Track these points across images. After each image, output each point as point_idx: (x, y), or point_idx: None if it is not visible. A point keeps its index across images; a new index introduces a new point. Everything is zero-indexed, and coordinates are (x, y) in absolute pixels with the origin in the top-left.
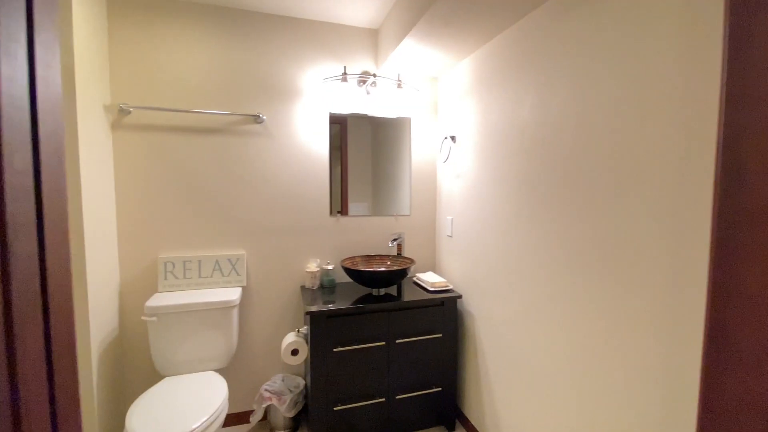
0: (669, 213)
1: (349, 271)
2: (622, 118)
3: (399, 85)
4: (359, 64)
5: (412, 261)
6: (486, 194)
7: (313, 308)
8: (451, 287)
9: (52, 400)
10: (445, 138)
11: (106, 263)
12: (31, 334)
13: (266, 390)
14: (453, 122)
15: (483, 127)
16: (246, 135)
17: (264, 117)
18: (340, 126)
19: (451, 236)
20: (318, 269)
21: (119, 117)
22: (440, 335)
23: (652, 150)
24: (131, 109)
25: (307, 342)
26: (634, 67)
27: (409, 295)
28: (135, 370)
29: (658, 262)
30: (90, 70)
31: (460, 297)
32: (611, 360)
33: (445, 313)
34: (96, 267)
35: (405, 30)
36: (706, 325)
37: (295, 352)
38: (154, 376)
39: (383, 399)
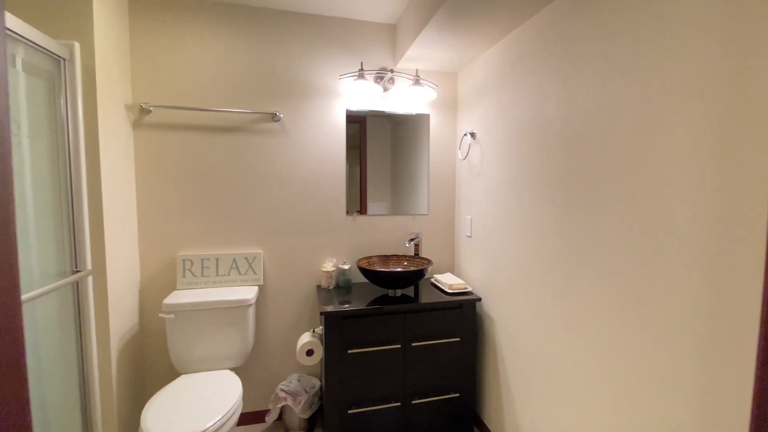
0: (708, 214)
1: (365, 272)
2: (658, 111)
3: (417, 81)
4: (376, 60)
5: (429, 262)
6: (507, 193)
7: (328, 309)
8: (470, 289)
9: None
10: (465, 134)
11: (127, 260)
12: None
13: (282, 390)
14: (473, 118)
15: (504, 122)
16: (263, 133)
17: (281, 115)
18: (359, 125)
19: (470, 236)
20: (334, 269)
21: (140, 116)
22: (458, 339)
23: (689, 146)
24: (151, 108)
25: (322, 342)
26: (668, 51)
27: (427, 297)
28: (155, 367)
29: (693, 267)
30: (111, 70)
31: (479, 300)
32: (639, 368)
33: (463, 316)
34: (117, 264)
35: (423, 22)
36: (760, 341)
37: (310, 353)
38: (172, 373)
39: (399, 403)
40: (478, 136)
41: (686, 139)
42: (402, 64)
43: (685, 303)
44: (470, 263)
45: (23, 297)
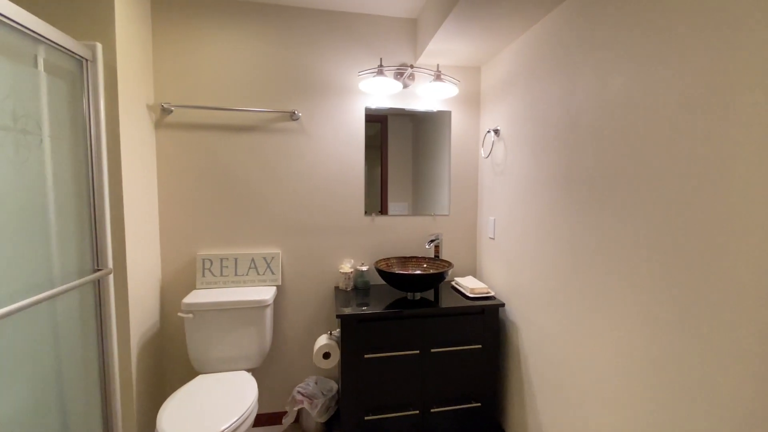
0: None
1: (383, 274)
2: (703, 102)
3: (438, 77)
4: (396, 56)
5: (449, 264)
6: (533, 192)
7: (345, 311)
8: (492, 294)
9: None
10: (488, 132)
11: (149, 259)
12: None
13: (299, 392)
14: (497, 114)
15: (531, 118)
16: (282, 132)
17: (300, 114)
18: (380, 124)
19: (493, 238)
20: (352, 270)
21: (162, 116)
22: (480, 346)
23: (736, 142)
24: (173, 108)
25: (339, 346)
26: (727, 37)
27: (447, 301)
28: (175, 365)
29: (747, 279)
30: (133, 71)
31: (502, 305)
32: (679, 381)
33: (485, 321)
34: (138, 263)
35: (444, 13)
36: None
37: (327, 356)
38: (191, 372)
39: (417, 411)
40: (502, 132)
41: (736, 139)
42: (423, 60)
43: (739, 318)
44: (493, 266)
45: (44, 294)
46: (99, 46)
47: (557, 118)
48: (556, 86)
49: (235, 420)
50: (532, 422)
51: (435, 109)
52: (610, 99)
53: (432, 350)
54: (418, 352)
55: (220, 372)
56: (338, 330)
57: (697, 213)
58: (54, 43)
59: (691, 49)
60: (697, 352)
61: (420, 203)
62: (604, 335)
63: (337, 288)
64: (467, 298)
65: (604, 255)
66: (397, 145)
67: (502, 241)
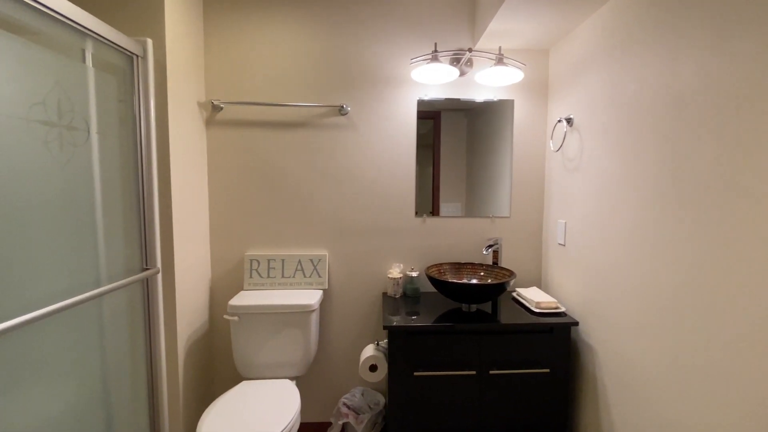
0: None
1: (436, 282)
2: None
3: (500, 60)
4: (452, 40)
5: (511, 273)
6: (620, 192)
7: (393, 323)
8: (563, 310)
9: None
10: (558, 121)
11: (198, 259)
12: None
13: (344, 404)
14: (569, 101)
15: (614, 102)
16: (330, 128)
17: (348, 108)
18: (433, 121)
19: (563, 245)
20: (401, 275)
21: (212, 113)
22: (547, 370)
23: None
24: (223, 105)
25: (386, 358)
26: None
27: (508, 316)
28: (222, 368)
29: None
30: (184, 67)
31: (575, 324)
32: None
33: (554, 342)
34: (186, 262)
35: None
36: None
37: (373, 368)
38: (237, 376)
39: None
40: (576, 122)
41: None
42: (482, 43)
43: None
44: (563, 277)
45: (91, 293)
46: (149, 42)
47: (654, 101)
48: (652, 64)
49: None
50: None
51: (495, 98)
52: (731, 77)
53: (491, 372)
54: (474, 372)
55: (264, 378)
56: (386, 341)
57: None
58: (103, 38)
59: None
60: None
61: (475, 204)
62: (711, 378)
63: (385, 294)
64: (532, 313)
65: (727, 270)
66: (451, 143)
67: (575, 248)
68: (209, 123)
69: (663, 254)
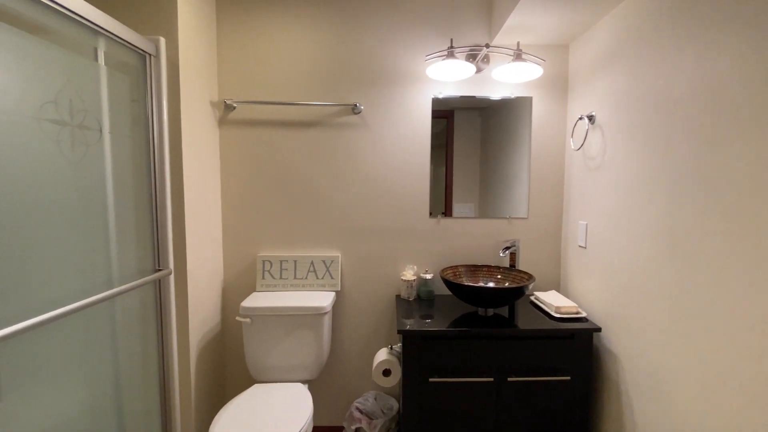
0: None
1: (451, 285)
2: None
3: (518, 56)
4: (468, 36)
5: (530, 277)
6: (645, 191)
7: (407, 326)
8: (584, 315)
9: None
10: (580, 119)
11: (210, 260)
12: None
13: (357, 409)
14: (591, 98)
15: (640, 99)
16: (343, 127)
17: (362, 106)
18: (446, 121)
19: (584, 247)
20: (415, 278)
21: (225, 113)
22: (568, 377)
23: None
24: (236, 105)
25: (400, 362)
26: None
27: (526, 321)
28: (235, 369)
29: None
30: (197, 66)
31: (598, 330)
32: None
33: (575, 348)
34: (198, 263)
35: None
36: None
37: (387, 373)
38: (250, 378)
39: None
40: (598, 119)
41: None
42: (499, 39)
43: None
44: (584, 281)
45: (103, 294)
46: (162, 41)
47: (685, 99)
48: (683, 56)
49: None
50: None
51: (512, 96)
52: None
53: (509, 379)
54: (492, 380)
55: (276, 381)
56: (399, 345)
57: None
58: (115, 36)
59: None
60: None
61: (489, 205)
62: (744, 391)
63: (398, 297)
64: (552, 318)
65: (749, 281)
66: (464, 142)
67: (596, 250)
68: (222, 122)
69: (692, 257)
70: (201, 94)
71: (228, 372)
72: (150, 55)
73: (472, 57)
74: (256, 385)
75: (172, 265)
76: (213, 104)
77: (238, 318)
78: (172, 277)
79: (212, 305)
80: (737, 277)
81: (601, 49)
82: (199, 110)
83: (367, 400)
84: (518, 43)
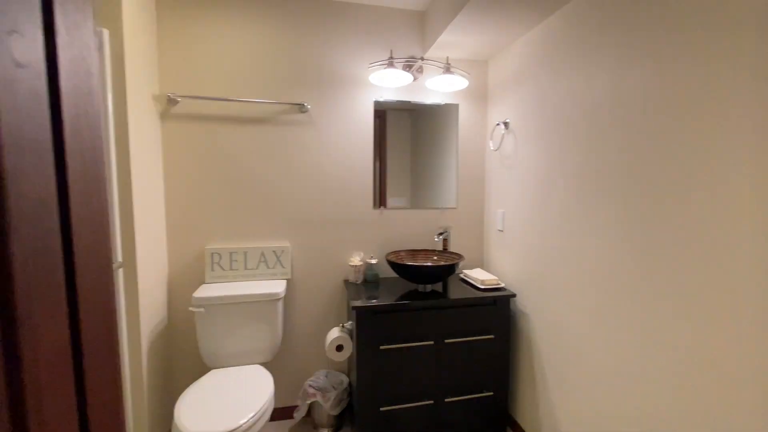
0: None
1: (395, 266)
2: (723, 103)
3: (448, 69)
4: (404, 48)
5: (460, 256)
6: (547, 186)
7: (359, 303)
8: (503, 285)
9: (82, 414)
10: (497, 124)
11: (156, 254)
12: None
13: (310, 386)
14: (506, 107)
15: (542, 111)
16: (291, 125)
17: (308, 106)
18: (379, 120)
19: (502, 231)
20: (362, 263)
21: (167, 107)
22: (492, 336)
23: (744, 136)
24: (179, 99)
25: (351, 338)
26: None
27: (458, 293)
28: (183, 361)
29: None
30: (139, 60)
31: (513, 296)
32: (695, 363)
33: (497, 312)
34: (147, 257)
35: (459, 6)
36: None
37: (340, 348)
38: (201, 367)
39: (431, 401)
40: (511, 126)
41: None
42: (432, 52)
43: (750, 301)
44: (502, 258)
45: None
46: (106, 33)
47: (573, 111)
48: (572, 79)
49: (254, 414)
50: (544, 409)
51: (442, 102)
52: (628, 94)
53: (446, 341)
54: (432, 343)
55: (232, 366)
56: (350, 322)
57: (709, 208)
58: None
59: (698, 49)
60: (711, 336)
61: (420, 197)
62: (622, 323)
63: (346, 281)
64: (478, 289)
65: (623, 247)
66: (395, 140)
67: (511, 232)
68: (164, 116)
69: (581, 233)
70: (143, 87)
71: (177, 363)
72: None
73: (408, 66)
74: (213, 370)
75: (120, 259)
76: (155, 98)
77: (191, 308)
78: (121, 271)
79: (159, 299)
80: (614, 242)
81: (513, 67)
82: (142, 103)
83: (318, 378)
84: (447, 58)
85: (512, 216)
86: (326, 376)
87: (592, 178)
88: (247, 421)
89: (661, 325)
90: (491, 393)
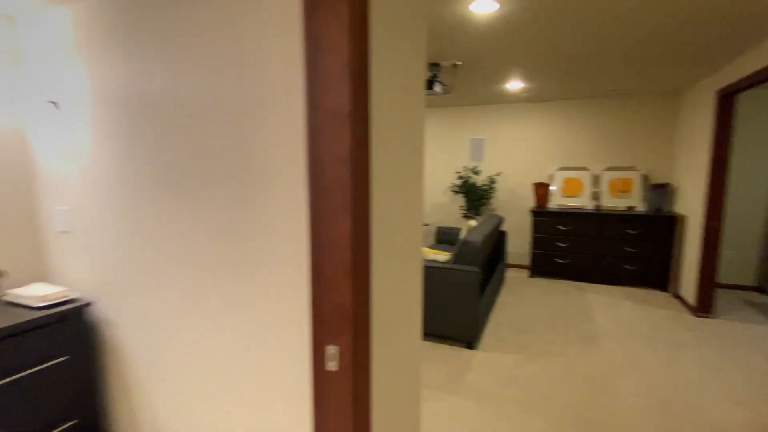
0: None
1: None
2: (256, 105)
3: None
4: None
5: None
6: (117, 182)
7: None
8: (74, 296)
9: None
10: (47, 102)
11: None
12: None
13: None
14: (53, 82)
15: (104, 95)
16: None
17: None
18: None
19: (68, 232)
20: None
21: None
22: (67, 357)
23: (272, 133)
24: None
25: None
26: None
27: (3, 322)
28: None
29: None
30: None
31: (87, 305)
32: (245, 359)
33: (69, 328)
34: None
35: None
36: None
37: None
38: None
39: None
40: (64, 107)
41: (273, 130)
42: None
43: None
44: (74, 264)
45: None
46: None
47: (133, 105)
48: (130, 67)
49: None
50: (144, 415)
51: None
52: (186, 91)
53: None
54: None
55: None
56: None
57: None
58: None
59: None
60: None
61: None
62: (195, 323)
63: None
64: (36, 309)
65: (179, 245)
66: None
67: (82, 233)
68: None
69: (143, 227)
70: None
71: None
72: None
73: None
74: None
75: None
76: None
77: None
78: None
79: None
80: (187, 234)
81: (62, 32)
82: None
83: None
84: None
85: (81, 214)
86: None
87: (158, 173)
88: None
89: (220, 325)
90: (76, 421)
